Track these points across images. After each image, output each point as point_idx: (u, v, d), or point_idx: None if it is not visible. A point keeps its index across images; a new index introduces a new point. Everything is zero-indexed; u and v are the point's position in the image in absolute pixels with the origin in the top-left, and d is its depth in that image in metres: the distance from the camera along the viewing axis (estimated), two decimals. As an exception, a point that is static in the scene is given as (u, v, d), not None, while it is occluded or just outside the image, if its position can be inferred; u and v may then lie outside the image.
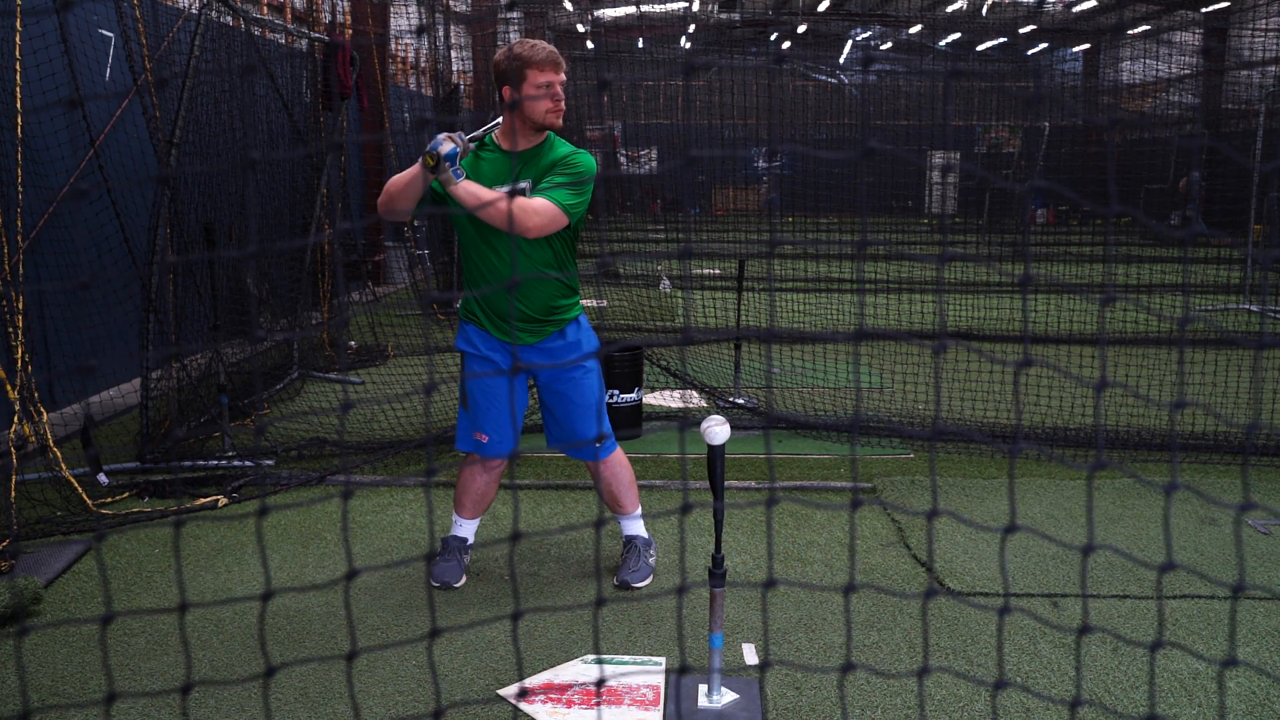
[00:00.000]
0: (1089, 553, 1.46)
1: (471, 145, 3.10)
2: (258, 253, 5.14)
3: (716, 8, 20.88)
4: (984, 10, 20.81)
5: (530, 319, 3.32)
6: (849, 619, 3.23)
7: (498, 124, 3.28)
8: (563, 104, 3.20)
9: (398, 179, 3.14)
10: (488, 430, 3.38)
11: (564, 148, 3.27)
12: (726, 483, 4.50)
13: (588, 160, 3.25)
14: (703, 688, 2.70)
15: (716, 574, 2.61)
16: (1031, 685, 2.80)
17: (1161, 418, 5.40)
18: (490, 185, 3.18)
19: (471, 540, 3.60)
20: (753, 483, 4.58)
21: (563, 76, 3.17)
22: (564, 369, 3.36)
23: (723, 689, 2.69)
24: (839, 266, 11.49)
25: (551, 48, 3.17)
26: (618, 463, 3.53)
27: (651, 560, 3.58)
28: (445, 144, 2.96)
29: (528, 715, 2.66)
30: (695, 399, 6.07)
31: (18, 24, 4.32)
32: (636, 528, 3.60)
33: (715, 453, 2.64)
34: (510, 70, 3.14)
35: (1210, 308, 10.14)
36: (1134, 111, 16.47)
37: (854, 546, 3.86)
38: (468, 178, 3.08)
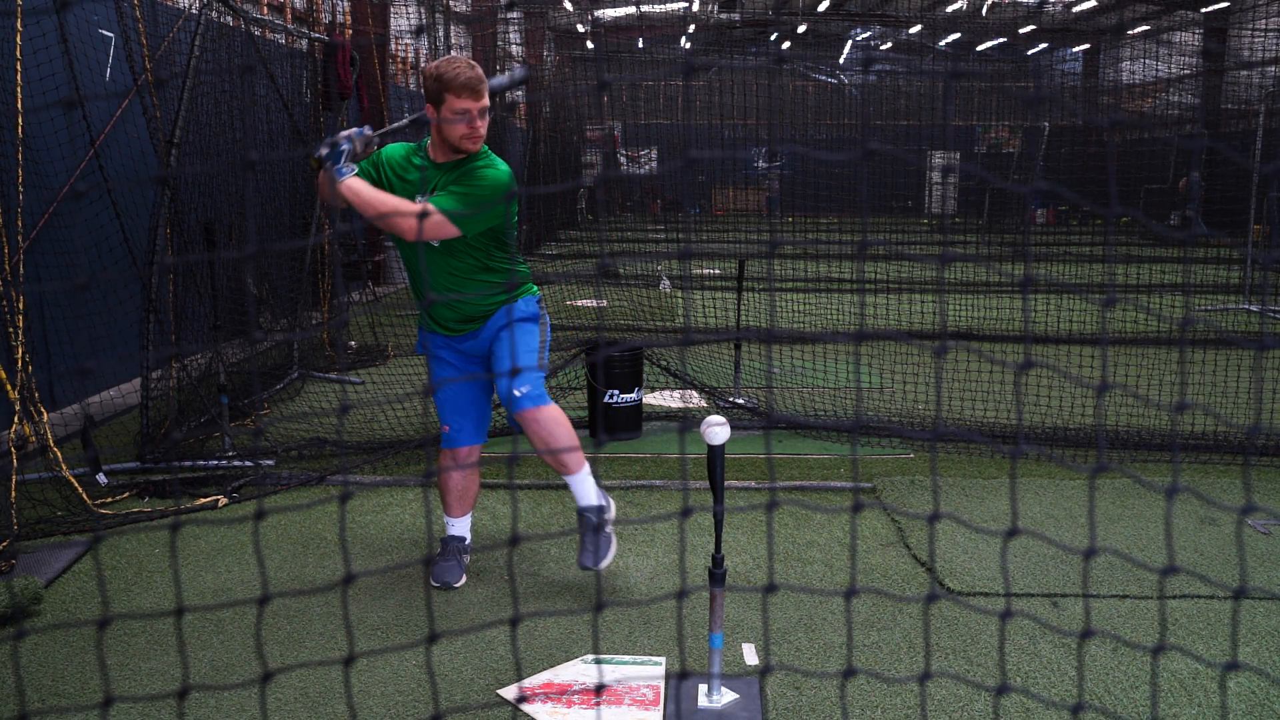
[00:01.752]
0: (1090, 556, 1.46)
1: (377, 140, 3.10)
2: (258, 253, 5.13)
3: (716, 8, 20.88)
4: (984, 10, 20.81)
5: (470, 319, 3.36)
6: (849, 620, 3.23)
7: (405, 124, 3.26)
8: (481, 130, 3.15)
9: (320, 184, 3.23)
10: (448, 420, 3.44)
11: (481, 161, 3.22)
12: (726, 483, 4.50)
13: (496, 176, 3.18)
14: (703, 688, 2.70)
15: (716, 574, 2.61)
16: (1031, 685, 2.80)
17: (1162, 418, 5.40)
18: (412, 195, 3.19)
19: (469, 538, 3.60)
20: (753, 483, 4.58)
21: (484, 102, 3.11)
22: (499, 331, 3.37)
23: (723, 689, 2.69)
24: (839, 266, 11.49)
25: (474, 72, 3.09)
26: (548, 416, 3.22)
27: (609, 529, 3.33)
28: (324, 148, 3.02)
29: (528, 715, 2.66)
30: (695, 399, 6.07)
31: (18, 24, 4.32)
32: (586, 493, 3.31)
33: (715, 453, 2.64)
34: (430, 90, 3.12)
35: (1210, 308, 10.14)
36: (1134, 112, 16.47)
37: (855, 548, 3.86)
38: (359, 174, 3.10)
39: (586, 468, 3.34)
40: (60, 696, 2.73)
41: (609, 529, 3.34)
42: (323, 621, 3.19)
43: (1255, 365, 6.47)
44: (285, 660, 2.94)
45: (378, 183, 3.23)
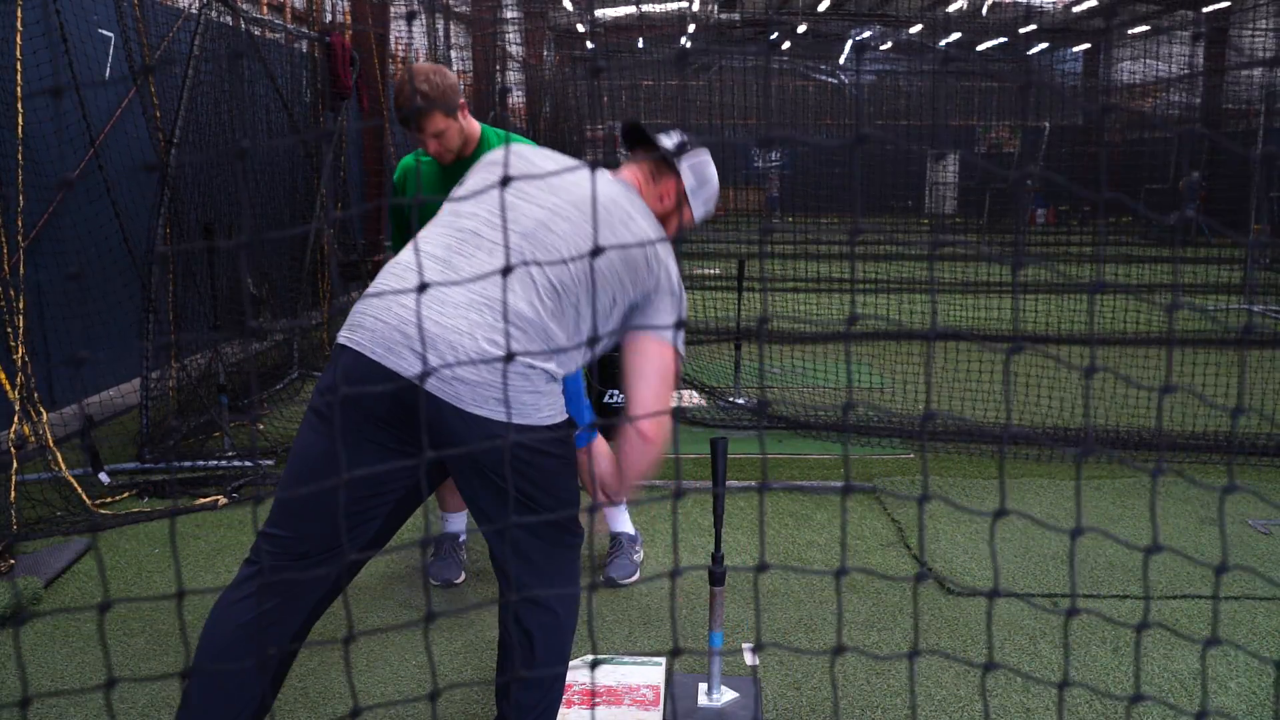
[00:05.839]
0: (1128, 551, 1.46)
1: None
2: (253, 247, 5.13)
3: (716, 8, 20.88)
4: (984, 10, 20.81)
5: None
6: (839, 605, 3.23)
7: None
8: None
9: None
10: None
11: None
12: (727, 483, 4.49)
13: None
14: (703, 686, 2.70)
15: (716, 573, 2.61)
16: (1031, 686, 2.80)
17: (1174, 417, 5.39)
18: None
19: (464, 535, 3.59)
20: (753, 483, 4.58)
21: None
22: None
23: (723, 688, 2.69)
24: (838, 266, 11.47)
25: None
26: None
27: (638, 557, 3.60)
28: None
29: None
30: (695, 399, 6.06)
31: (17, 23, 4.32)
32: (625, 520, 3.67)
33: (718, 449, 2.63)
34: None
35: (1209, 308, 10.13)
36: (1134, 111, 16.47)
37: (844, 539, 3.86)
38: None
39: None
40: (58, 697, 2.73)
41: (638, 557, 3.62)
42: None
43: (1240, 361, 6.47)
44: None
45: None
